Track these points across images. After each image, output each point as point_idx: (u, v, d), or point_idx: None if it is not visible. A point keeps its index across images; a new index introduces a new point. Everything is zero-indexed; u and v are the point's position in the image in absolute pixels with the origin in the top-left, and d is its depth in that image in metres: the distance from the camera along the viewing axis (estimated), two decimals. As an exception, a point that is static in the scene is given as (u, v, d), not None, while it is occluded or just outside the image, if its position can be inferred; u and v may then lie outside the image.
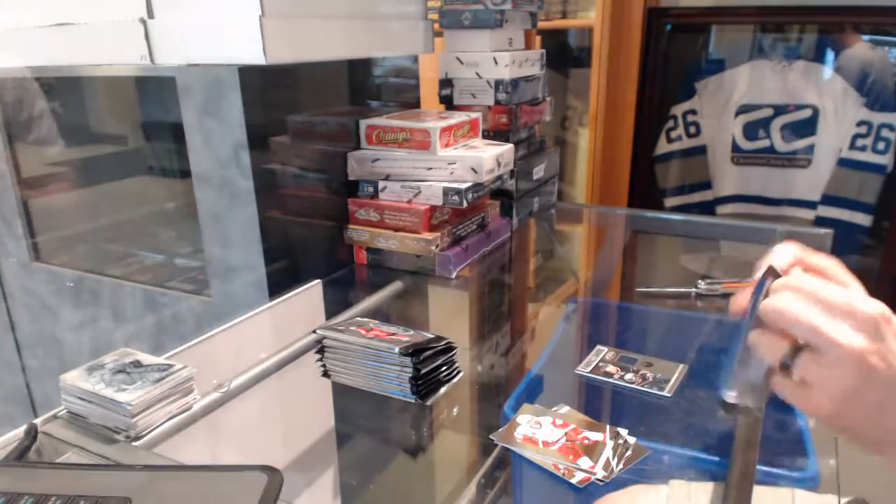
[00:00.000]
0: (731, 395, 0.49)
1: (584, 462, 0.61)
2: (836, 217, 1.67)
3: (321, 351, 0.76)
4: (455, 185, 1.03)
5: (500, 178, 1.13)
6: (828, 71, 1.65)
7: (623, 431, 0.65)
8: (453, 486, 0.65)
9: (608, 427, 0.66)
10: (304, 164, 1.04)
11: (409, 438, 0.71)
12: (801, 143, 1.70)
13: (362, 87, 1.19)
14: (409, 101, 1.29)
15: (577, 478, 0.59)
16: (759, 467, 0.57)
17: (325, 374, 0.76)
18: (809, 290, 0.41)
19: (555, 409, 0.70)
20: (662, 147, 1.85)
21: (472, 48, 1.20)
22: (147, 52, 0.77)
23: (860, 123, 1.62)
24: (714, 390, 0.75)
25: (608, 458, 0.61)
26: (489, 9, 1.16)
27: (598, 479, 0.59)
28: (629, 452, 0.62)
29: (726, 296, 1.00)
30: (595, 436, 0.65)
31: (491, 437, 0.66)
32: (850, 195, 1.65)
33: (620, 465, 0.60)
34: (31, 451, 0.60)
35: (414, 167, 1.06)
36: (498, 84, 1.19)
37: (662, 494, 0.57)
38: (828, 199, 1.68)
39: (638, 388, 0.74)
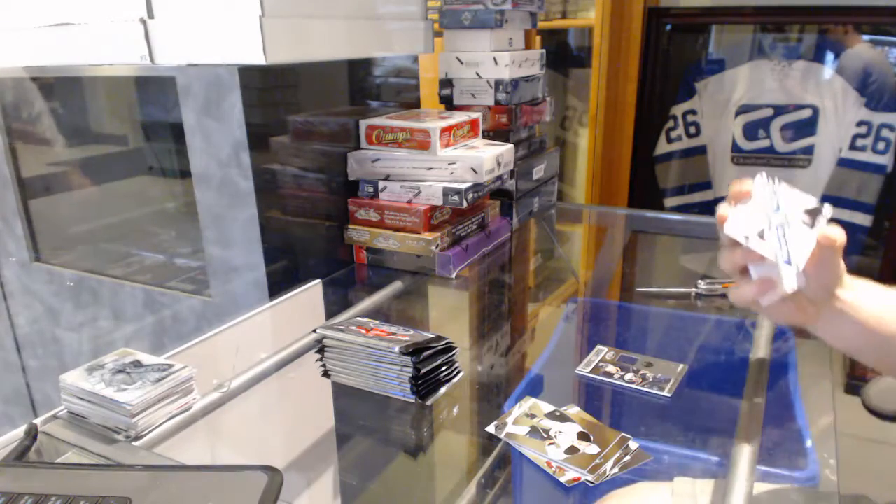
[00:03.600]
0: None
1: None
2: (835, 217, 1.66)
3: (321, 351, 0.76)
4: (455, 185, 1.03)
5: (500, 178, 1.13)
6: (828, 71, 1.65)
7: (630, 440, 0.65)
8: (453, 486, 0.65)
9: (620, 434, 0.65)
10: (304, 164, 1.04)
11: (409, 438, 0.71)
12: (801, 143, 1.70)
13: (362, 87, 1.19)
14: (409, 101, 1.29)
15: (566, 476, 0.59)
16: (758, 467, 0.57)
17: (325, 374, 0.76)
18: None
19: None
20: (662, 147, 1.85)
21: (472, 48, 1.20)
22: (147, 52, 0.77)
23: (860, 123, 1.62)
24: (714, 391, 0.75)
25: (602, 460, 0.61)
26: (489, 9, 1.16)
27: (589, 481, 0.59)
28: (627, 458, 0.62)
29: (726, 296, 1.00)
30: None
31: (487, 428, 0.66)
32: (850, 195, 1.65)
33: (615, 469, 0.60)
34: (31, 451, 0.60)
35: (414, 167, 1.06)
36: (498, 84, 1.19)
37: (667, 492, 0.57)
38: (828, 200, 1.68)
39: (638, 388, 0.74)
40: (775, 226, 0.54)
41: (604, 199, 1.91)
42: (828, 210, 0.55)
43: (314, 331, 0.79)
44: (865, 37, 1.61)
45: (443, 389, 0.73)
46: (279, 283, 1.01)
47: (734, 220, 0.55)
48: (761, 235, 0.54)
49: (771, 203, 0.55)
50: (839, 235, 0.53)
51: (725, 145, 1.78)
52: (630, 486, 0.59)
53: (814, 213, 0.55)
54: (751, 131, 1.74)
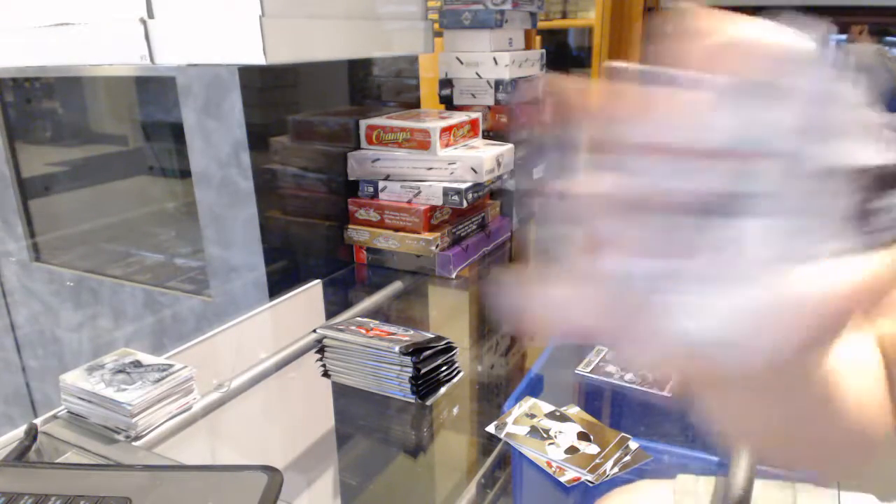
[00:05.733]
0: None
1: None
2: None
3: (321, 351, 0.76)
4: (455, 185, 1.03)
5: (500, 178, 1.13)
6: (828, 71, 1.65)
7: (630, 440, 0.65)
8: (453, 486, 0.65)
9: (620, 434, 0.65)
10: (304, 164, 1.04)
11: (409, 438, 0.71)
12: (801, 143, 1.70)
13: (362, 87, 1.19)
14: (409, 101, 1.29)
15: (566, 476, 0.59)
16: (759, 466, 0.57)
17: (325, 374, 0.76)
18: None
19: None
20: (662, 147, 1.85)
21: (472, 48, 1.20)
22: (147, 52, 0.77)
23: (860, 123, 1.62)
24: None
25: (602, 460, 0.61)
26: (489, 9, 1.16)
27: (589, 481, 0.59)
28: (627, 458, 0.62)
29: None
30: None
31: (487, 428, 0.66)
32: (850, 195, 1.65)
33: (615, 469, 0.60)
34: (31, 451, 0.59)
35: (414, 167, 1.06)
36: (498, 84, 1.19)
37: (669, 489, 0.57)
38: (828, 199, 1.68)
39: (638, 388, 0.74)
40: None
41: (604, 199, 1.91)
42: None
43: (314, 331, 0.79)
44: (865, 37, 1.61)
45: (443, 389, 0.73)
46: (279, 283, 1.01)
47: None
48: None
49: None
50: None
51: (725, 145, 1.78)
52: (632, 484, 0.59)
53: None
54: (751, 131, 1.74)
